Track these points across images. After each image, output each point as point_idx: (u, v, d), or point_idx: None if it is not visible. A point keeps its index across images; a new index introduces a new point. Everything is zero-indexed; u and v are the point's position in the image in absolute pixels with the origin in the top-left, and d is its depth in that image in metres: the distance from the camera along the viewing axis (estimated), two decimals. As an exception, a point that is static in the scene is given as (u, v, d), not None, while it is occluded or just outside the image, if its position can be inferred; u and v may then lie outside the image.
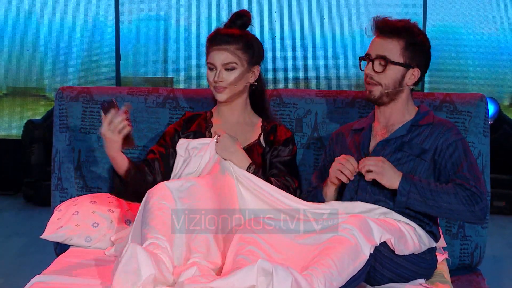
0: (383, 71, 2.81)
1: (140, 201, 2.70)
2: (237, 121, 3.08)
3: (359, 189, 2.82)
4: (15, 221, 5.52)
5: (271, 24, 6.39)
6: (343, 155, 2.80)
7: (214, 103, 3.16)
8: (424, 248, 2.74)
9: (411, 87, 2.87)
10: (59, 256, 2.97)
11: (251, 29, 3.06)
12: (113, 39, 6.54)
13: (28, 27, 6.64)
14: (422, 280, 2.72)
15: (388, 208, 2.75)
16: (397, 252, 2.61)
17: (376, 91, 2.84)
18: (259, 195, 2.84)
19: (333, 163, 2.80)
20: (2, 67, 6.70)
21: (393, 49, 2.81)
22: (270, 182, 2.90)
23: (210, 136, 3.02)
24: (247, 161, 2.93)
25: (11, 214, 5.72)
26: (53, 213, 3.18)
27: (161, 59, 6.66)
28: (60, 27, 6.63)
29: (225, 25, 3.06)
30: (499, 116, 5.76)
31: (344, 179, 2.76)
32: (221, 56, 2.97)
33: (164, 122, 3.34)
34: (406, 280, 2.70)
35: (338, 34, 6.35)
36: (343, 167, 2.75)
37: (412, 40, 2.82)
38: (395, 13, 6.11)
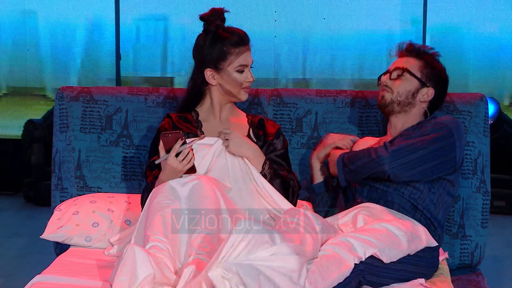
0: (398, 77, 2.88)
1: None
2: (226, 118, 3.06)
3: (356, 195, 2.89)
4: (15, 221, 5.52)
5: (271, 24, 6.38)
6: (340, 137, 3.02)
7: (196, 102, 3.08)
8: (420, 247, 2.73)
9: (424, 106, 2.92)
10: (59, 256, 2.97)
11: (251, 29, 3.05)
12: (113, 39, 6.53)
13: (28, 27, 6.63)
14: (422, 280, 2.72)
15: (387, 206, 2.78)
16: (386, 261, 2.60)
17: (388, 96, 2.91)
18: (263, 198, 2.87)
19: (332, 136, 3.02)
20: (2, 67, 6.69)
21: (412, 64, 2.91)
22: (281, 178, 2.93)
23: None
24: (262, 156, 2.95)
25: (11, 214, 5.71)
26: (53, 213, 3.18)
27: (161, 59, 6.65)
28: (60, 27, 6.62)
29: (221, 25, 2.96)
30: (499, 116, 5.75)
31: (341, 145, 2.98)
32: (250, 55, 2.99)
33: (164, 122, 3.34)
34: (407, 281, 2.70)
35: (338, 34, 6.34)
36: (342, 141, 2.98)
37: (432, 63, 2.91)
38: (395, 13, 6.12)
